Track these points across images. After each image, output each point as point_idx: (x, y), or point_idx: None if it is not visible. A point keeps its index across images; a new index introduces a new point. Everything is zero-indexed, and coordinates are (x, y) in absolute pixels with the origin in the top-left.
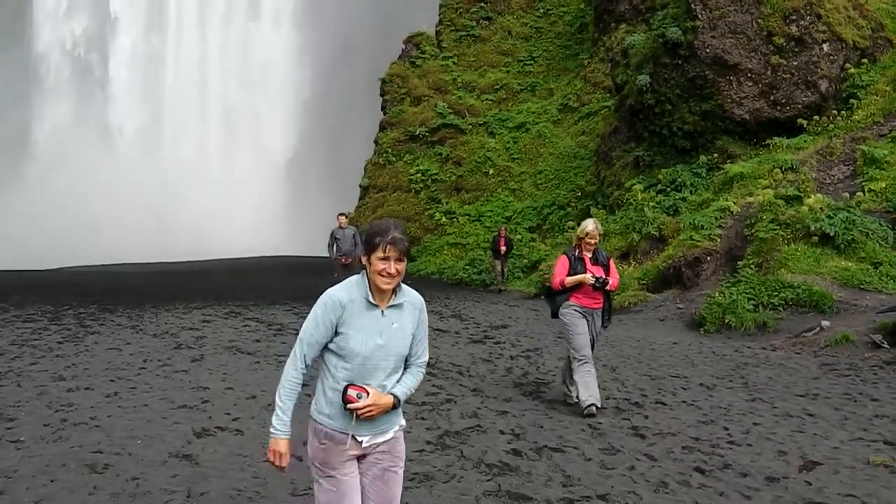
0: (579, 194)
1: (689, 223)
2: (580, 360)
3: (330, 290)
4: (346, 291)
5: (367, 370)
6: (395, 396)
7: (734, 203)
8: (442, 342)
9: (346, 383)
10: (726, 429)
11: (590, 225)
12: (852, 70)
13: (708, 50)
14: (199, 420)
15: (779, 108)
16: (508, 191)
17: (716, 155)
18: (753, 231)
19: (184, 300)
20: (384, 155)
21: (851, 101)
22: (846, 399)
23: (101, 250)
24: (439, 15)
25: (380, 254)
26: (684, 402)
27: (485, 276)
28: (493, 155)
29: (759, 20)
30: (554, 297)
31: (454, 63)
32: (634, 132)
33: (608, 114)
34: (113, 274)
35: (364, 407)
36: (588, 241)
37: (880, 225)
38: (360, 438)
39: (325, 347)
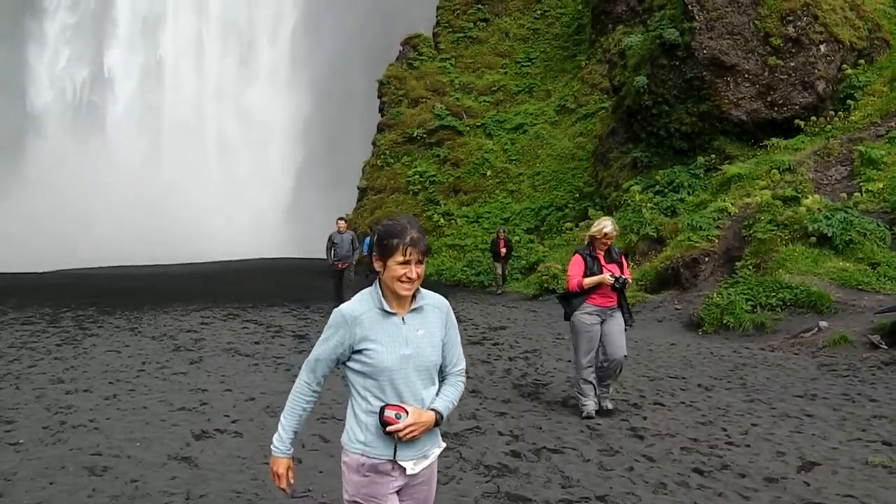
0: (577, 195)
1: (687, 224)
2: (585, 367)
3: (342, 306)
4: (358, 304)
5: (399, 386)
6: (436, 412)
7: (732, 204)
8: None
9: (380, 404)
10: (724, 430)
11: (608, 226)
12: (849, 71)
13: (705, 51)
14: (198, 422)
15: (776, 108)
16: (506, 192)
17: (713, 156)
18: (751, 232)
19: (182, 302)
20: (382, 157)
21: (848, 101)
22: (844, 399)
23: (99, 252)
24: (437, 17)
25: (399, 257)
26: (683, 402)
27: (483, 278)
28: (491, 156)
29: (756, 21)
30: (570, 298)
31: (452, 65)
32: (632, 133)
33: (606, 115)
34: (111, 276)
35: (405, 428)
36: (605, 241)
37: (878, 225)
38: (403, 464)
39: (349, 368)
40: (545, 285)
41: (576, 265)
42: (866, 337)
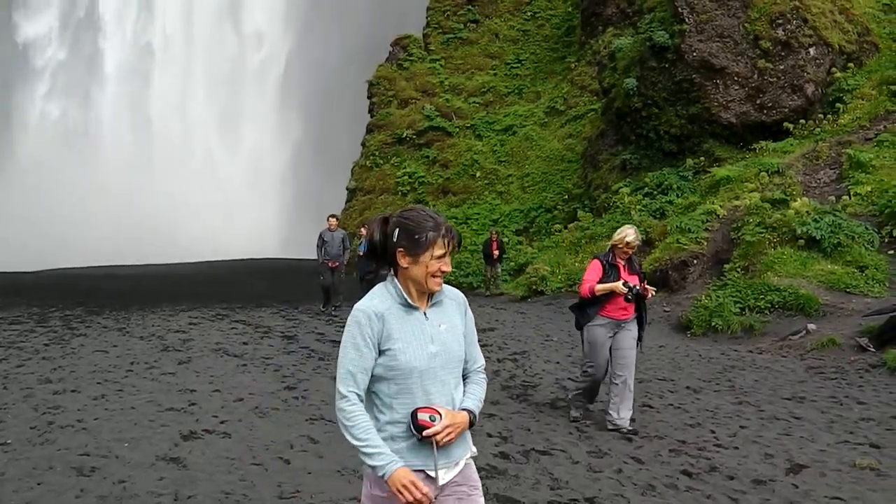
0: (566, 197)
1: (676, 226)
2: (589, 376)
3: (359, 304)
4: (380, 299)
5: (429, 387)
6: (469, 412)
7: (721, 206)
8: None
9: (408, 411)
10: (713, 432)
11: (630, 234)
12: (838, 74)
13: (695, 53)
14: (187, 423)
15: (765, 111)
16: (495, 193)
17: (702, 158)
18: (740, 234)
19: (170, 302)
20: (371, 157)
21: (837, 105)
22: (832, 402)
23: (86, 252)
24: (426, 18)
25: (437, 251)
26: (671, 405)
27: (472, 279)
28: (480, 158)
29: (745, 24)
30: (584, 307)
31: (441, 66)
32: (621, 135)
33: (595, 117)
34: (99, 276)
35: (443, 430)
36: (626, 250)
37: (866, 228)
38: (432, 474)
39: (373, 375)
40: (534, 287)
41: (592, 270)
42: (854, 340)
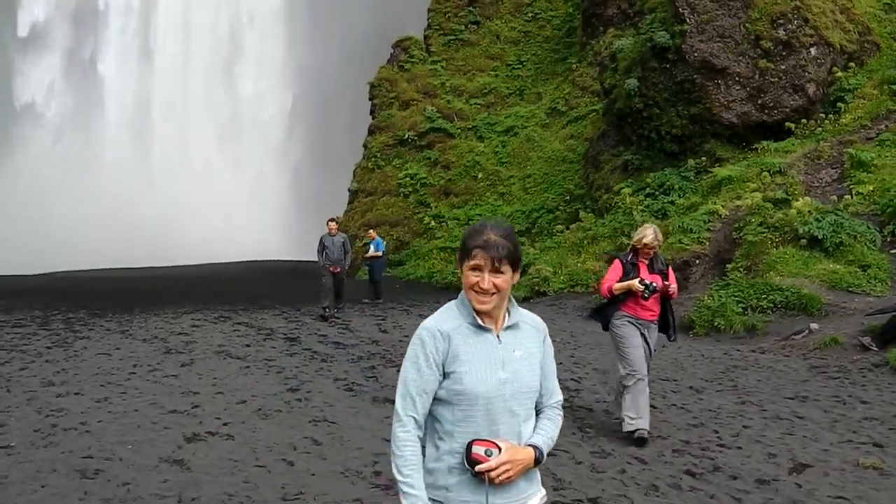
0: (568, 198)
1: (678, 227)
2: (633, 377)
3: (426, 321)
4: (447, 317)
5: (496, 417)
6: (535, 448)
7: (722, 206)
8: None
9: (467, 441)
10: (716, 432)
11: (649, 235)
12: (840, 74)
13: (696, 54)
14: (190, 425)
15: (767, 111)
16: (497, 195)
17: (704, 158)
18: (742, 234)
19: (173, 305)
20: (373, 159)
21: (839, 104)
22: (835, 401)
23: (88, 255)
24: (428, 19)
25: (474, 261)
26: (674, 405)
27: None
28: (482, 159)
29: (746, 24)
30: (603, 309)
31: (443, 67)
32: (623, 136)
33: (596, 118)
34: (101, 279)
35: (499, 467)
36: (646, 251)
37: (868, 228)
38: None
39: (435, 398)
40: (536, 288)
41: (612, 270)
42: (857, 339)
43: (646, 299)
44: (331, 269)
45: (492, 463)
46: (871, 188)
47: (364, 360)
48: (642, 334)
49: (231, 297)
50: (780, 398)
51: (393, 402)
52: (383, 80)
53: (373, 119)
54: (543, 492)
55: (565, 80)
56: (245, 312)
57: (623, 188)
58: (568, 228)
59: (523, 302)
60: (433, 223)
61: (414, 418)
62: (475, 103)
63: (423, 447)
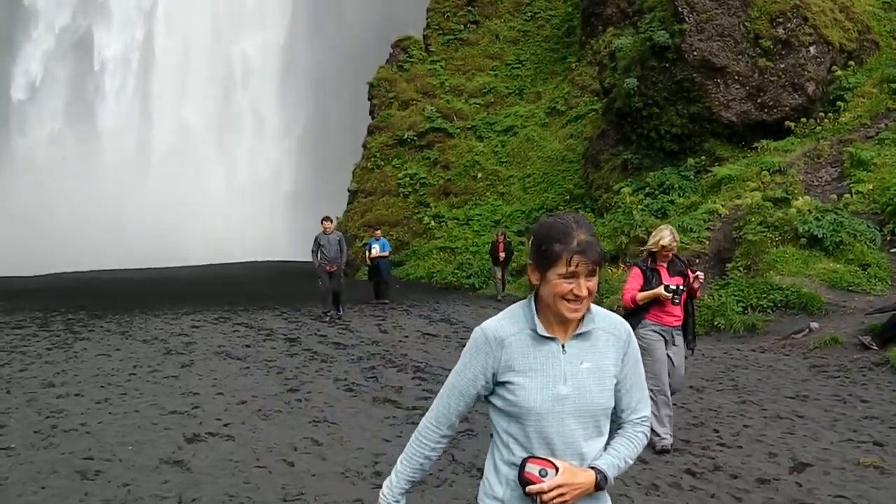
0: (568, 198)
1: (678, 226)
2: (658, 391)
3: (485, 324)
4: (508, 321)
5: (550, 435)
6: (598, 471)
7: (722, 205)
8: (432, 346)
9: (524, 455)
10: (716, 431)
11: (666, 237)
12: (839, 72)
13: (695, 53)
14: (190, 426)
15: (766, 110)
16: (497, 194)
17: (703, 157)
18: (742, 233)
19: (173, 305)
20: (372, 159)
21: (838, 103)
22: (835, 400)
23: (88, 256)
24: (427, 19)
25: (561, 269)
26: (674, 404)
27: (474, 281)
28: (482, 159)
29: (746, 23)
30: (628, 320)
31: (442, 67)
32: (622, 135)
33: (596, 117)
34: (101, 280)
35: (551, 490)
36: (665, 254)
37: (868, 227)
38: None
39: (491, 404)
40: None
41: (633, 279)
42: (857, 338)
43: (676, 304)
44: (326, 267)
45: (544, 485)
46: (870, 187)
47: (364, 361)
48: (667, 342)
49: (231, 297)
50: (781, 397)
51: (393, 402)
52: (382, 80)
53: (372, 119)
54: None
55: (565, 80)
56: (245, 313)
57: (623, 187)
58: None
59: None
60: (433, 223)
61: (448, 421)
62: (474, 103)
63: (430, 453)
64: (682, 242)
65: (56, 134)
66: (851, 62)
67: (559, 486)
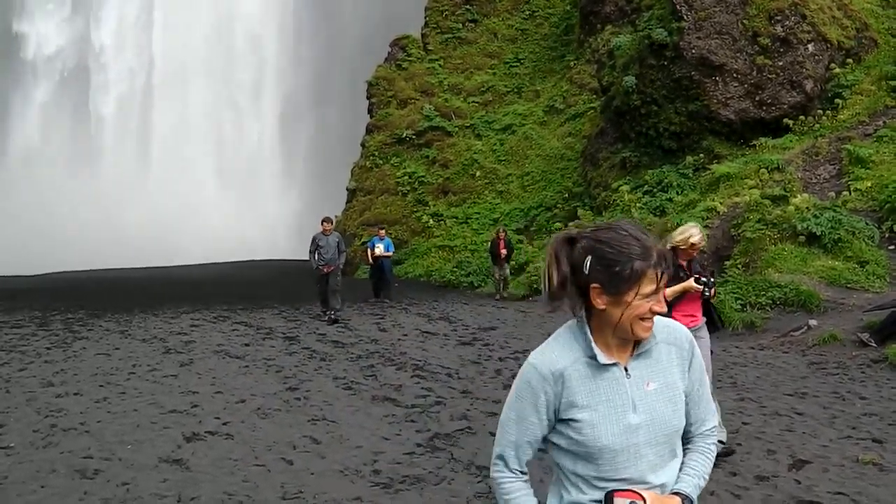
0: (566, 196)
1: (677, 224)
2: None
3: (534, 357)
4: (561, 351)
5: (626, 469)
6: (683, 496)
7: (721, 203)
8: (431, 345)
9: (596, 495)
10: None
11: (695, 234)
12: (837, 70)
13: (693, 51)
14: (189, 424)
15: (764, 108)
16: (495, 193)
17: (702, 155)
18: (740, 231)
19: (172, 304)
20: (371, 158)
21: (837, 100)
22: (834, 397)
23: (87, 255)
24: (425, 17)
25: (647, 287)
26: None
27: (473, 279)
28: (480, 157)
29: (744, 21)
30: None
31: (440, 66)
32: (621, 133)
33: (594, 115)
34: (99, 279)
35: None
36: (690, 252)
37: (866, 224)
38: None
39: (552, 443)
40: (535, 286)
41: None
42: (856, 335)
43: (706, 297)
44: (324, 268)
45: None
46: (869, 184)
47: (363, 359)
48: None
49: (229, 296)
50: (780, 394)
51: (392, 400)
52: (381, 79)
53: (371, 118)
54: None
55: (563, 78)
56: (244, 312)
57: (621, 185)
58: (566, 226)
59: (522, 300)
60: (431, 222)
61: (518, 470)
62: (473, 101)
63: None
64: None
65: (56, 132)
66: (850, 60)
67: None
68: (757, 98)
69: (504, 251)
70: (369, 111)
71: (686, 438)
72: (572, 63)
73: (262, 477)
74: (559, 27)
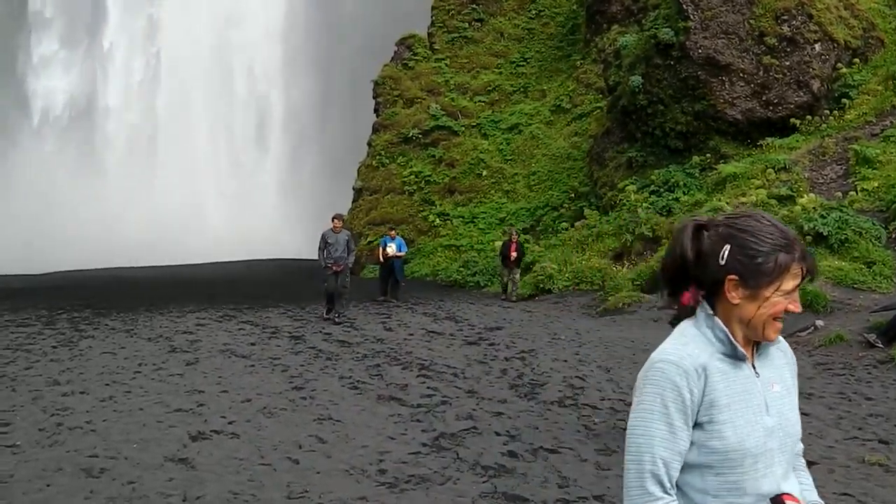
0: (572, 195)
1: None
2: None
3: (669, 354)
4: (695, 346)
5: (766, 475)
6: None
7: (727, 203)
8: (437, 344)
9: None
10: None
11: None
12: (844, 70)
13: (700, 50)
14: (195, 423)
15: (771, 108)
16: (502, 192)
17: (708, 155)
18: None
19: (178, 304)
20: (377, 157)
21: (843, 100)
22: (840, 398)
23: (93, 254)
24: (431, 17)
25: (789, 283)
26: None
27: (479, 279)
28: (487, 156)
29: (750, 20)
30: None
31: (447, 65)
32: (627, 133)
33: (601, 115)
34: (105, 278)
35: None
36: None
37: (873, 224)
38: None
39: None
40: (541, 285)
41: None
42: (862, 336)
43: None
44: (333, 267)
45: None
46: (876, 184)
47: (369, 359)
48: None
49: (235, 295)
50: None
51: (398, 400)
52: (387, 78)
53: (377, 117)
54: None
55: (569, 78)
56: (250, 311)
57: (628, 185)
58: (573, 226)
59: (528, 300)
60: (438, 221)
61: (671, 491)
62: (479, 101)
63: None
64: None
65: (61, 127)
66: (856, 59)
67: None
68: (763, 98)
69: (514, 254)
70: (375, 110)
71: None
72: (579, 62)
73: (268, 476)
74: (565, 27)
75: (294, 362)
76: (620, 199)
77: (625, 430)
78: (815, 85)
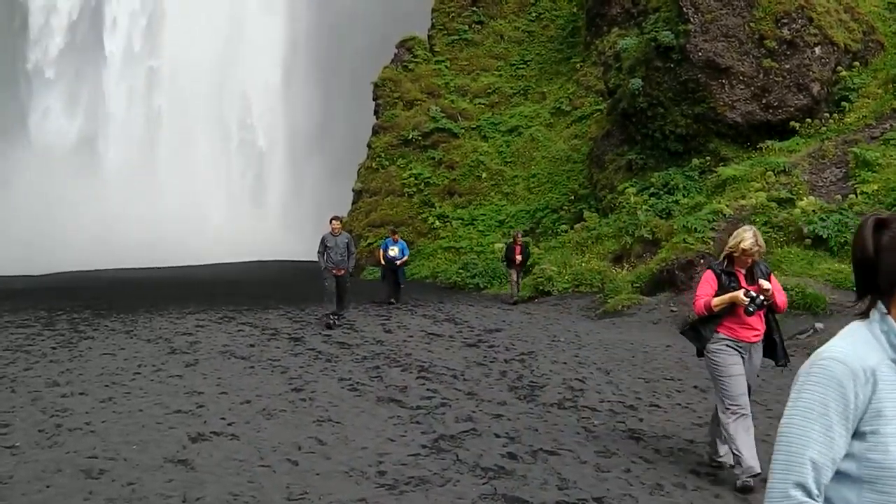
0: (572, 198)
1: (682, 226)
2: (734, 412)
3: (836, 352)
4: (864, 347)
5: None
6: None
7: (727, 206)
8: (436, 346)
9: None
10: None
11: (748, 239)
12: (844, 73)
13: (700, 53)
14: (194, 425)
15: (771, 110)
16: (501, 194)
17: (708, 158)
18: None
19: (177, 305)
20: (377, 159)
21: (843, 103)
22: None
23: (92, 255)
24: (431, 19)
25: None
26: (678, 404)
27: (479, 281)
28: (486, 159)
29: (750, 23)
30: (699, 328)
31: (447, 67)
32: (627, 135)
33: (601, 117)
34: (105, 279)
35: None
36: (745, 259)
37: None
38: None
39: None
40: (540, 287)
41: (706, 284)
42: None
43: (750, 314)
44: (333, 271)
45: None
46: (875, 187)
47: (368, 360)
48: (744, 358)
49: (235, 297)
50: (785, 398)
51: (397, 402)
52: (387, 80)
53: (377, 119)
54: None
55: (569, 80)
56: (249, 313)
57: (627, 188)
58: (572, 228)
59: (528, 302)
60: (437, 223)
61: (818, 498)
62: (479, 103)
63: None
64: (686, 243)
65: (62, 128)
66: (856, 63)
67: None
68: (763, 101)
69: (520, 256)
70: (375, 112)
71: None
72: (578, 65)
73: (268, 477)
74: (565, 29)
75: (294, 364)
76: (620, 202)
77: (624, 432)
78: (815, 88)
